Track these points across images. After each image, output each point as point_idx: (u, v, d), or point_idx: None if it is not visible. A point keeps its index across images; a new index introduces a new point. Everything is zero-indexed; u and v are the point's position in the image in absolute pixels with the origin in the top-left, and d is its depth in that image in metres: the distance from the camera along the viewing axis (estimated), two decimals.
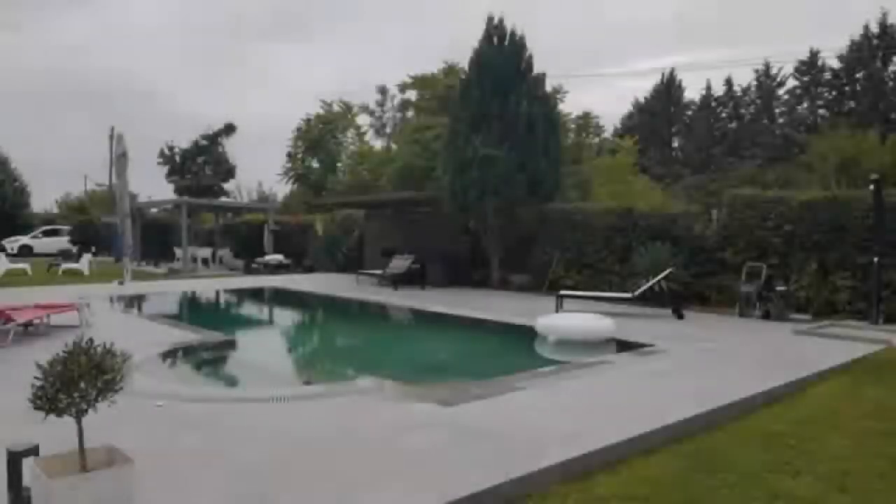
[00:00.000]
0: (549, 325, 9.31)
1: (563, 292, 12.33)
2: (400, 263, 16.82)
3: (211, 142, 38.95)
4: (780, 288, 11.43)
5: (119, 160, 17.41)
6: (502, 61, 15.59)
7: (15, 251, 30.34)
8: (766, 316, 11.15)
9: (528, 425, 4.84)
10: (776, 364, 7.41)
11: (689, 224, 13.65)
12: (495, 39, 15.86)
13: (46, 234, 33.68)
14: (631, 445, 4.47)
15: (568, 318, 9.71)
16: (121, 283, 16.23)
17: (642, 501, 3.69)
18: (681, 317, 11.24)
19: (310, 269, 23.41)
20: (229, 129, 39.47)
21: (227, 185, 40.45)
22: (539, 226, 15.79)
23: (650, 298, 11.89)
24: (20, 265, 19.00)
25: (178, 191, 37.10)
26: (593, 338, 8.95)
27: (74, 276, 19.12)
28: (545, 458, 4.03)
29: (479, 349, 10.08)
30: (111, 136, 39.11)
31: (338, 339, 12.23)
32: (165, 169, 38.63)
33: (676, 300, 11.62)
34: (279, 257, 23.50)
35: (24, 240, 32.68)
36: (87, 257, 21.20)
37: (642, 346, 8.43)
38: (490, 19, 15.94)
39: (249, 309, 16.44)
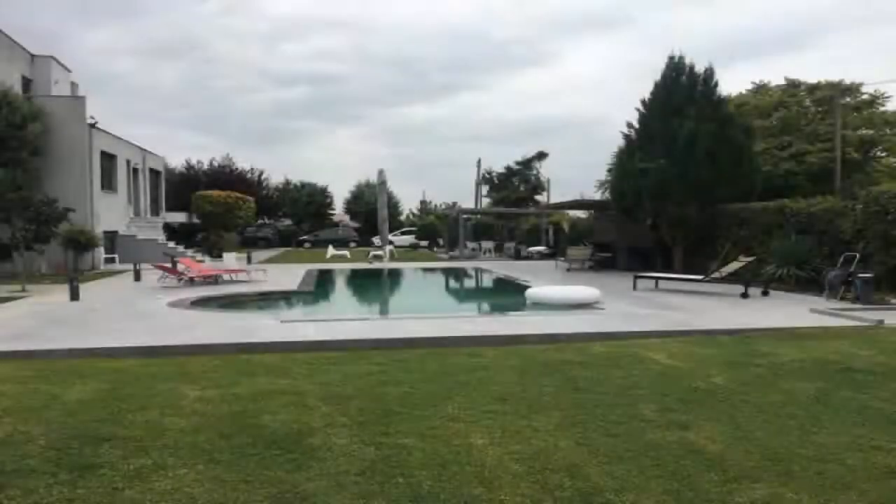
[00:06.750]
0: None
1: (637, 274, 14.10)
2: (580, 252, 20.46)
3: (524, 166, 45.73)
4: (864, 274, 11.46)
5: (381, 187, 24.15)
6: (673, 92, 17.31)
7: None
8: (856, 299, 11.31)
9: None
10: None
11: (831, 218, 13.71)
12: (673, 75, 17.60)
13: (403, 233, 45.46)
14: None
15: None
16: (375, 258, 22.93)
17: None
18: (745, 296, 12.11)
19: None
20: (541, 155, 45.60)
21: (538, 198, 46.48)
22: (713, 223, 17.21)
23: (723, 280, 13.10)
24: (343, 252, 27.21)
25: (494, 202, 44.72)
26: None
27: (341, 259, 25.67)
28: None
29: None
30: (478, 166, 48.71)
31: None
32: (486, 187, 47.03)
33: (745, 284, 12.51)
34: (542, 248, 29.40)
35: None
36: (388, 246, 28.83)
37: None
38: (671, 58, 17.78)
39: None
